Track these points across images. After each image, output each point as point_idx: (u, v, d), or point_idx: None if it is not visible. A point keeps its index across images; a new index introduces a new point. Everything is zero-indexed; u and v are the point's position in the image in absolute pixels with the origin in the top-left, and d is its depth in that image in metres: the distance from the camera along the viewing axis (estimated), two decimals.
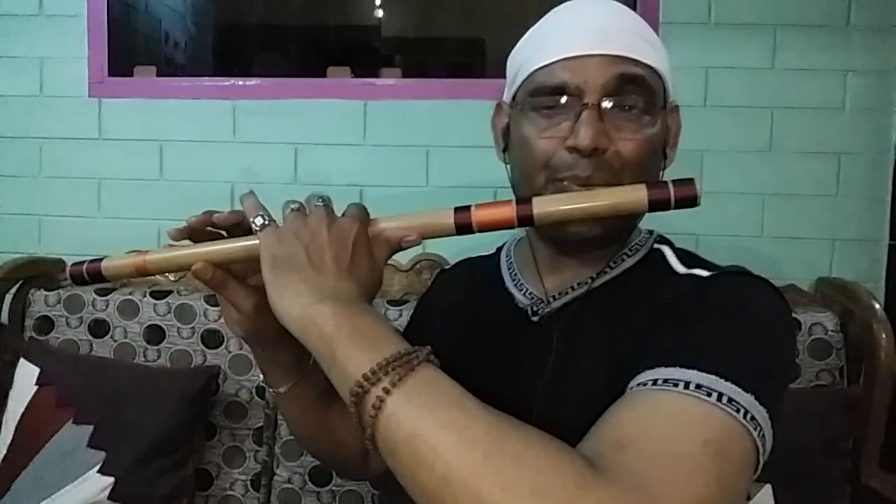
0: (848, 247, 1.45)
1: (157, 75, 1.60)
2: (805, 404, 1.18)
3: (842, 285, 1.34)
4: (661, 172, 0.69)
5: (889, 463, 1.24)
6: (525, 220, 0.58)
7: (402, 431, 0.44)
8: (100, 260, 0.66)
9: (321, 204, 0.58)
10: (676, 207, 0.56)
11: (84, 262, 0.66)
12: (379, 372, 0.46)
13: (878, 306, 1.24)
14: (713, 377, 0.49)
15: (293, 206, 0.59)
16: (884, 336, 1.21)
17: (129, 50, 1.74)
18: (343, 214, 0.59)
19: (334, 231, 0.56)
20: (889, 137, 1.44)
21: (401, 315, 1.33)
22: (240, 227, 0.63)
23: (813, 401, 1.22)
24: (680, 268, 0.67)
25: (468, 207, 0.59)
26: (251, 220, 0.59)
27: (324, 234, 0.55)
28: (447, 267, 0.99)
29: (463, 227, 0.59)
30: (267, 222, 0.58)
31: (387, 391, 0.45)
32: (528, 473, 0.41)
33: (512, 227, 0.59)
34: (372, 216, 0.61)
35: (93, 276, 0.66)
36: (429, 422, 0.44)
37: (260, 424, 1.35)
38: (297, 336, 0.52)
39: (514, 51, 0.71)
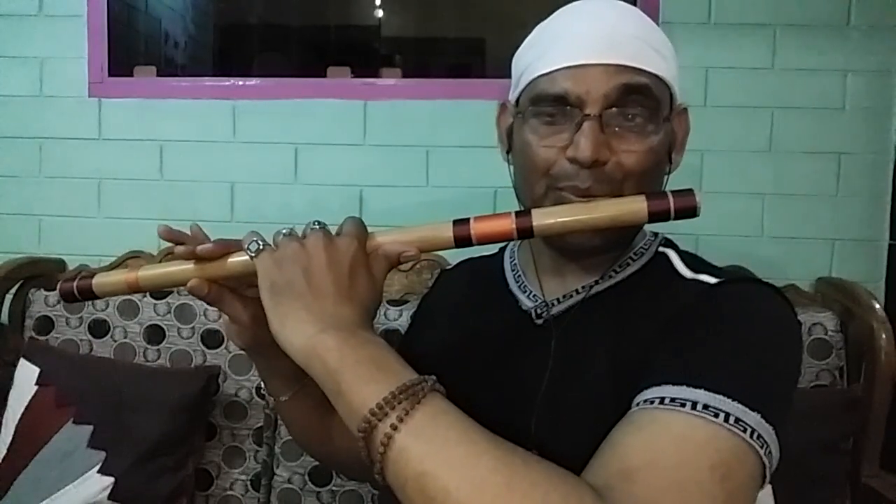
0: (848, 247, 1.45)
1: (157, 75, 1.60)
2: (805, 404, 1.18)
3: (842, 285, 1.34)
4: (665, 178, 0.68)
5: (889, 463, 1.24)
6: (524, 233, 0.58)
7: (410, 469, 0.45)
8: (91, 277, 0.64)
9: (317, 227, 0.57)
10: (676, 218, 0.56)
11: (74, 278, 0.65)
12: (385, 406, 0.46)
13: (878, 306, 1.23)
14: (720, 397, 0.49)
15: (284, 232, 0.58)
16: (884, 336, 1.21)
17: (129, 50, 1.74)
18: (340, 229, 0.59)
19: (332, 252, 0.55)
20: (889, 137, 1.44)
21: (401, 315, 1.33)
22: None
23: (813, 401, 1.22)
24: (686, 272, 0.66)
25: (467, 220, 0.58)
26: (246, 246, 0.57)
27: (321, 256, 0.54)
28: (448, 267, 0.98)
29: (462, 240, 0.58)
30: (262, 247, 0.57)
31: (394, 427, 0.45)
32: None
33: (511, 240, 0.59)
34: (370, 222, 0.60)
35: (83, 293, 0.64)
36: (438, 460, 0.44)
37: (260, 424, 1.35)
38: (301, 365, 0.52)
39: (519, 51, 0.70)
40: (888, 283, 1.44)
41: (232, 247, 0.61)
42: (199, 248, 0.60)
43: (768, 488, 1.10)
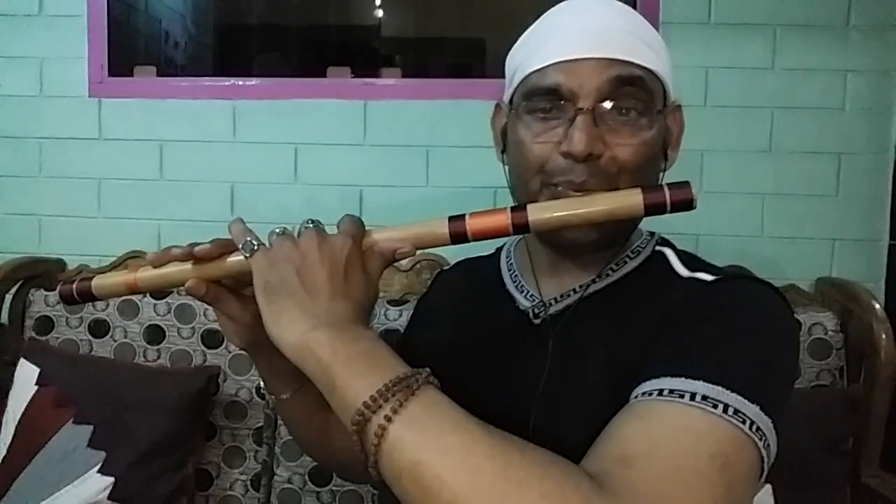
0: (848, 247, 1.45)
1: (157, 75, 1.60)
2: (805, 404, 1.18)
3: (842, 285, 1.34)
4: (661, 174, 0.68)
5: (889, 463, 1.24)
6: (520, 228, 0.57)
7: (405, 459, 0.44)
8: (90, 279, 0.65)
9: (311, 226, 0.57)
10: (673, 211, 0.56)
11: (73, 281, 0.65)
12: (379, 399, 0.46)
13: (878, 306, 1.24)
14: (719, 388, 0.49)
15: (277, 231, 0.58)
16: (884, 336, 1.21)
17: (129, 50, 1.74)
18: (337, 227, 0.59)
19: (325, 250, 0.55)
20: (889, 137, 1.44)
21: (401, 315, 1.33)
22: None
23: (813, 401, 1.22)
24: (683, 271, 0.66)
25: (462, 216, 0.58)
26: (241, 247, 0.58)
27: (314, 254, 0.54)
28: (446, 267, 0.98)
29: (457, 237, 0.58)
30: (256, 247, 0.57)
31: (388, 419, 0.45)
32: (534, 497, 0.41)
33: (507, 235, 0.59)
34: (370, 221, 0.60)
35: (83, 295, 0.64)
36: (432, 448, 0.44)
37: (260, 424, 1.35)
38: (295, 363, 0.52)
39: (512, 50, 0.70)
40: (888, 283, 1.44)
41: (229, 247, 0.60)
42: (197, 248, 0.60)
43: (768, 488, 1.10)
